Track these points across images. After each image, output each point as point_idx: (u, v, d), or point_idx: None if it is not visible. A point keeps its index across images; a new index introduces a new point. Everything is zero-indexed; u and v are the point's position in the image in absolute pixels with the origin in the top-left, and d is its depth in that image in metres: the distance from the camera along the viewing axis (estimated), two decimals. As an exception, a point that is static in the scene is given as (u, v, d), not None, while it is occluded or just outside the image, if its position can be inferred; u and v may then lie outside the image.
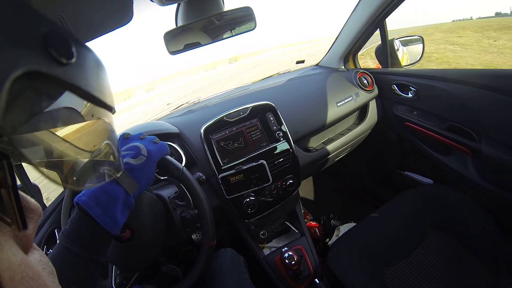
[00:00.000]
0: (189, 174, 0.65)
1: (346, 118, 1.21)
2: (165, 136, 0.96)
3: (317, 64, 1.45)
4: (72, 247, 0.41)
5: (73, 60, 0.18)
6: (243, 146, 0.94)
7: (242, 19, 0.98)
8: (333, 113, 1.13)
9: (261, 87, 1.24)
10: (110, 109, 0.22)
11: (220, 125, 0.93)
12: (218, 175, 0.89)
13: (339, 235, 1.15)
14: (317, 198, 1.47)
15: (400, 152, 1.28)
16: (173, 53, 0.92)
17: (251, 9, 0.96)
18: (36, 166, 0.18)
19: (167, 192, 0.79)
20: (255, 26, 0.97)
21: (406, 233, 0.89)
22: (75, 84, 0.18)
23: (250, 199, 0.92)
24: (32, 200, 0.21)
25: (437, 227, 0.88)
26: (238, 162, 0.92)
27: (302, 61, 1.45)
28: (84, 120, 0.21)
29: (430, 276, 0.78)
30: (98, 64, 0.21)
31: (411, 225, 0.90)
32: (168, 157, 0.64)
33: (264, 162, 0.90)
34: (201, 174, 0.82)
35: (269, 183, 0.92)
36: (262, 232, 1.05)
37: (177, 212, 0.75)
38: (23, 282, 0.17)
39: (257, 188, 0.92)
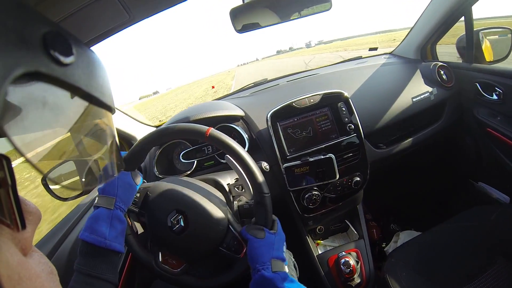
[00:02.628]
0: (219, 132, 0.60)
1: (420, 116, 1.08)
2: (229, 118, 0.91)
3: (391, 53, 1.31)
4: (80, 269, 0.49)
5: (73, 60, 0.18)
6: (311, 135, 0.87)
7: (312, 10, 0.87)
8: (407, 108, 1.01)
9: (331, 72, 1.15)
10: (110, 109, 0.22)
11: (288, 111, 0.87)
12: (283, 164, 0.84)
13: (398, 242, 1.06)
14: (378, 197, 1.37)
15: (475, 160, 1.14)
16: (239, 31, 0.85)
17: None
18: (36, 166, 0.17)
19: (227, 178, 0.75)
20: (331, 6, 0.86)
21: (471, 256, 0.78)
22: (75, 84, 0.18)
23: (312, 194, 0.86)
24: (31, 203, 0.21)
25: (508, 256, 0.75)
26: (304, 152, 0.85)
27: (375, 48, 1.32)
28: (84, 120, 0.20)
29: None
30: (98, 64, 0.21)
31: (478, 247, 0.79)
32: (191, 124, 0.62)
33: (333, 156, 0.83)
34: (265, 163, 0.77)
35: (335, 179, 0.85)
36: (319, 228, 1.00)
37: (235, 200, 0.72)
38: (20, 282, 0.17)
39: (321, 183, 0.85)
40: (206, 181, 0.72)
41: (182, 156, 0.93)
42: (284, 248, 0.60)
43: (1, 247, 0.17)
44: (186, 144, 0.95)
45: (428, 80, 1.08)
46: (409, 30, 1.25)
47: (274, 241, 0.58)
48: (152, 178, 0.92)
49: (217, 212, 0.62)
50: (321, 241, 1.00)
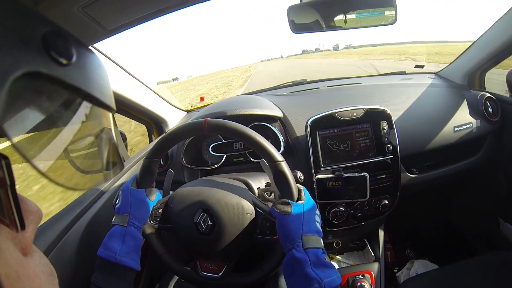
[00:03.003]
0: (216, 120, 0.58)
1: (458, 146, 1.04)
2: (267, 118, 0.89)
3: (437, 73, 1.25)
4: (95, 282, 0.53)
5: (73, 60, 0.18)
6: (348, 150, 0.84)
7: (380, 8, 0.83)
8: (448, 137, 0.97)
9: (374, 85, 1.10)
10: (110, 109, 0.22)
11: (329, 121, 0.83)
12: (315, 175, 0.81)
13: (411, 270, 1.05)
14: (399, 219, 1.34)
15: (506, 200, 1.10)
16: (295, 31, 0.82)
17: None
18: (36, 167, 0.17)
19: (257, 181, 0.73)
20: (395, 19, 0.81)
21: None
22: (75, 84, 0.18)
23: (339, 209, 0.84)
24: (32, 202, 0.21)
25: None
26: (339, 166, 0.83)
27: (422, 66, 1.26)
28: (84, 121, 0.20)
29: None
30: (98, 64, 0.21)
31: None
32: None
33: (367, 176, 0.80)
34: (300, 173, 0.74)
35: (365, 199, 0.82)
36: (336, 242, 0.98)
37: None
38: (18, 281, 0.17)
39: (351, 200, 0.83)
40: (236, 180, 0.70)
41: (211, 148, 0.91)
42: (317, 218, 0.54)
43: (0, 246, 0.17)
44: (217, 136, 0.93)
45: (472, 111, 1.04)
46: (449, 44, 1.18)
47: (302, 213, 0.52)
48: (177, 167, 0.90)
49: (240, 200, 0.59)
50: (336, 256, 0.98)
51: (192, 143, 0.92)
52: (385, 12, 0.83)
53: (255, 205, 0.60)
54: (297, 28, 0.78)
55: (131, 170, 0.93)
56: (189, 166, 0.88)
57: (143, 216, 0.59)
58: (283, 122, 0.91)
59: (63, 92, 0.18)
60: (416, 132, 0.95)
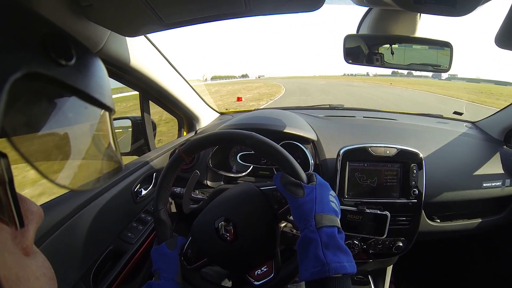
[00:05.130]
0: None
1: (483, 202, 1.02)
2: (301, 139, 0.89)
3: (474, 123, 1.23)
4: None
5: (73, 61, 0.18)
6: (374, 186, 0.84)
7: (436, 59, 0.82)
8: (475, 191, 0.95)
9: (410, 124, 1.09)
10: (110, 110, 0.22)
11: (361, 154, 0.84)
12: None
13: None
14: (409, 263, 1.32)
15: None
16: (346, 60, 0.82)
17: (451, 46, 0.80)
18: (36, 167, 0.17)
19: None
20: (449, 68, 0.81)
21: None
22: (74, 85, 0.18)
23: (353, 242, 0.84)
24: (33, 202, 0.21)
25: None
26: (362, 200, 0.83)
27: (460, 114, 1.24)
28: (83, 121, 0.20)
29: None
30: (97, 65, 0.21)
31: None
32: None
33: (388, 215, 0.80)
34: None
35: (381, 238, 0.82)
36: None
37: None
38: (18, 283, 0.17)
39: (367, 236, 0.83)
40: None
41: (239, 157, 0.92)
42: (333, 198, 0.51)
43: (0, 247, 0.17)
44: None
45: (505, 168, 1.01)
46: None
47: (315, 194, 0.49)
48: (202, 168, 0.93)
49: (244, 190, 0.60)
50: None
51: (221, 147, 0.94)
52: (440, 58, 0.82)
53: (258, 186, 0.60)
54: (350, 58, 0.79)
55: (156, 160, 0.96)
56: (214, 169, 0.89)
57: (172, 267, 0.61)
58: (315, 145, 0.92)
59: (62, 93, 0.18)
60: (444, 180, 0.93)
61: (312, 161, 0.88)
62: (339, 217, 0.51)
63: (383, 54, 0.80)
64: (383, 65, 0.79)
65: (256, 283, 0.56)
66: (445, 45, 0.80)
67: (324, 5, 0.64)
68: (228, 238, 0.56)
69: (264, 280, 0.56)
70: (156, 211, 0.63)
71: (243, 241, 0.55)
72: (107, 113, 0.23)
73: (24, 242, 0.19)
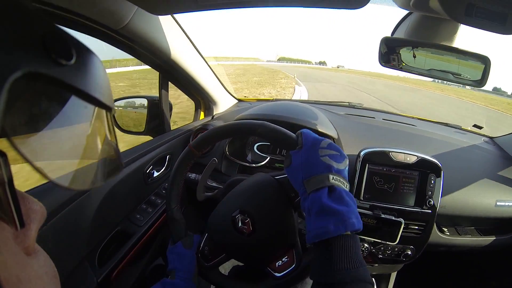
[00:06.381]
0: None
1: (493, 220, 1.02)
2: (320, 135, 0.88)
3: (492, 138, 1.22)
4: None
5: (73, 61, 0.18)
6: (391, 192, 0.83)
7: (460, 71, 0.81)
8: (488, 209, 0.94)
9: (429, 132, 1.08)
10: (110, 109, 0.22)
11: (382, 158, 0.83)
12: None
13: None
14: (415, 271, 1.32)
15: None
16: (381, 63, 0.81)
17: (489, 61, 0.78)
18: (37, 167, 0.17)
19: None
20: (484, 83, 0.79)
21: None
22: (74, 85, 0.18)
23: (364, 246, 0.84)
24: (36, 201, 0.21)
25: None
26: (376, 204, 0.82)
27: (480, 127, 1.23)
28: (83, 121, 0.20)
29: None
30: (97, 64, 0.21)
31: None
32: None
33: (402, 222, 0.79)
34: None
35: (393, 244, 0.82)
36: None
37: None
38: (19, 285, 0.17)
39: (378, 241, 0.82)
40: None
41: (257, 147, 0.91)
42: (324, 152, 0.47)
43: (0, 247, 0.17)
44: None
45: None
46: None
47: (301, 159, 0.47)
48: (219, 155, 0.91)
49: (259, 180, 0.59)
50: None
51: (238, 137, 0.93)
52: (462, 68, 0.81)
53: (273, 176, 0.59)
54: (384, 60, 0.77)
55: (170, 143, 0.95)
56: (231, 157, 0.88)
57: (188, 267, 0.60)
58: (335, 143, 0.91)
59: (62, 93, 0.18)
60: (459, 194, 0.93)
61: None
62: (342, 165, 0.47)
63: (400, 55, 0.78)
64: (401, 67, 0.77)
65: (277, 274, 0.55)
66: (481, 59, 0.78)
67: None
68: (245, 231, 0.54)
69: (286, 271, 0.54)
70: (169, 209, 0.62)
71: (261, 233, 0.54)
72: (107, 113, 0.23)
73: (26, 241, 0.19)
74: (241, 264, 0.63)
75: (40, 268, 0.20)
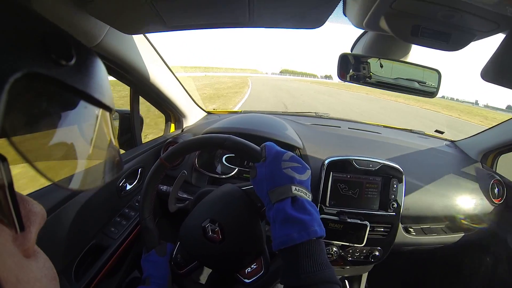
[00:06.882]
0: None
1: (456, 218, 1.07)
2: (288, 146, 0.92)
3: (453, 142, 1.29)
4: None
5: (73, 61, 0.18)
6: (355, 198, 0.88)
7: (422, 76, 0.86)
8: (450, 208, 1.00)
9: (393, 139, 1.14)
10: (109, 110, 0.22)
11: (345, 166, 0.87)
12: (319, 214, 0.85)
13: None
14: (384, 271, 1.37)
15: (488, 282, 1.13)
16: (341, 79, 0.85)
17: (440, 73, 0.84)
18: (36, 167, 0.17)
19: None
20: (436, 94, 0.85)
21: None
22: (74, 85, 0.18)
23: (333, 250, 0.87)
24: (35, 203, 0.21)
25: None
26: (343, 210, 0.86)
27: (442, 132, 1.29)
28: (83, 121, 0.20)
29: None
30: (97, 65, 0.21)
31: None
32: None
33: (368, 224, 0.84)
34: None
35: (360, 246, 0.86)
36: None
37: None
38: (17, 285, 0.17)
39: (347, 244, 0.86)
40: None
41: (225, 159, 0.94)
42: (286, 164, 0.49)
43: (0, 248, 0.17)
44: None
45: (479, 188, 1.07)
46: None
47: (265, 171, 0.49)
48: (189, 167, 0.94)
49: (227, 191, 0.61)
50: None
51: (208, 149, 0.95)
52: (426, 75, 0.86)
53: (240, 187, 0.62)
54: (343, 76, 0.82)
55: (142, 156, 0.96)
56: (200, 169, 0.91)
57: (162, 274, 0.61)
58: (301, 153, 0.94)
59: (62, 93, 0.18)
60: (422, 196, 0.98)
61: None
62: (304, 176, 0.50)
63: (369, 64, 0.83)
64: (370, 78, 0.82)
65: (247, 281, 0.57)
66: (434, 72, 0.84)
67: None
68: (215, 239, 0.57)
69: (255, 277, 0.57)
70: (142, 219, 0.64)
71: (230, 241, 0.57)
72: (107, 113, 0.23)
73: (25, 244, 0.19)
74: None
75: (39, 270, 0.20)
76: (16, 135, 0.16)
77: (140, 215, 0.64)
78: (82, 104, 0.20)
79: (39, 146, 0.18)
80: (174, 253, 0.63)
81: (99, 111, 0.22)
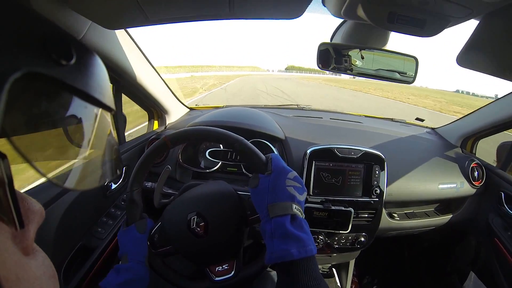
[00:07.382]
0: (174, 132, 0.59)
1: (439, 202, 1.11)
2: (270, 137, 0.93)
3: (434, 129, 1.32)
4: None
5: (73, 61, 0.18)
6: (339, 185, 0.89)
7: (402, 66, 0.89)
8: (431, 193, 1.03)
9: (374, 128, 1.16)
10: (109, 109, 0.22)
11: (327, 154, 0.89)
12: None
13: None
14: (371, 257, 1.40)
15: (471, 261, 1.17)
16: (321, 67, 0.87)
17: (417, 60, 0.87)
18: (36, 167, 0.17)
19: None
20: (413, 80, 0.88)
21: None
22: (74, 85, 0.18)
23: (318, 237, 0.89)
24: (34, 201, 0.21)
25: None
26: (326, 198, 0.88)
27: (422, 120, 1.33)
28: (83, 121, 0.20)
29: None
30: (97, 65, 0.21)
31: None
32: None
33: (352, 211, 0.85)
34: None
35: (346, 232, 0.88)
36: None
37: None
38: (17, 284, 0.17)
39: (332, 231, 0.88)
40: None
41: (208, 153, 0.95)
42: (290, 182, 0.51)
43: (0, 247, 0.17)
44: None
45: (459, 172, 1.10)
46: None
47: (268, 184, 0.51)
48: (172, 163, 0.94)
49: (221, 191, 0.62)
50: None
51: (192, 143, 0.96)
52: (407, 66, 0.89)
53: (235, 190, 0.63)
54: (323, 64, 0.83)
55: (126, 154, 0.96)
56: (185, 165, 0.91)
57: (141, 250, 0.61)
58: (283, 144, 0.96)
59: (62, 93, 0.18)
60: (404, 181, 1.00)
61: None
62: (302, 197, 0.52)
63: (350, 56, 0.85)
64: (351, 69, 0.84)
65: (216, 278, 0.59)
66: (412, 59, 0.87)
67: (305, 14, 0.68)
68: (198, 232, 0.57)
69: (223, 278, 0.59)
70: (129, 190, 0.62)
71: (212, 237, 0.57)
72: (108, 113, 0.23)
73: (24, 241, 0.19)
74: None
75: (38, 268, 0.20)
76: (15, 134, 0.16)
77: (129, 187, 0.63)
78: (82, 103, 0.20)
79: (39, 145, 0.18)
80: (153, 232, 0.63)
81: (98, 111, 0.22)
